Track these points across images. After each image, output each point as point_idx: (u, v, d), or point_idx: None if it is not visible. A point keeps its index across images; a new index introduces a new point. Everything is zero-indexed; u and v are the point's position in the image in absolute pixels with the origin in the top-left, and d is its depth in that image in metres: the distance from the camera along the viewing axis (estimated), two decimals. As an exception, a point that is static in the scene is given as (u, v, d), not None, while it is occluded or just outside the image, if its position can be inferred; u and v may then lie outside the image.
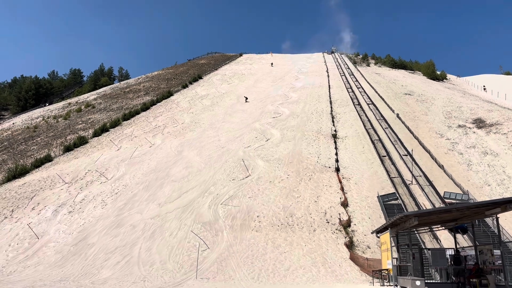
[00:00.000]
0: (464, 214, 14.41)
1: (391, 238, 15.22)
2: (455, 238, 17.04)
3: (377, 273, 18.02)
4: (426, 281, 14.03)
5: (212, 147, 44.58)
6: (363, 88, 73.75)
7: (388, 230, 15.30)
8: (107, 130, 57.07)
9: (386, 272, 16.21)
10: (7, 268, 24.09)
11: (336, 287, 17.54)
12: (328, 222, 26.50)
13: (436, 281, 17.55)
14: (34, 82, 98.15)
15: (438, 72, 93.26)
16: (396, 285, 14.55)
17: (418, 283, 12.42)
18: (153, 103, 71.09)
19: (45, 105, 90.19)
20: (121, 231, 27.19)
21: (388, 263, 15.71)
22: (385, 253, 16.21)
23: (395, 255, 16.82)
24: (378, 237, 18.39)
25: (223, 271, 20.64)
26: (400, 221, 14.24)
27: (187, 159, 40.90)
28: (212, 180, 34.66)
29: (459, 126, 45.76)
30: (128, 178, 36.89)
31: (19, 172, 43.52)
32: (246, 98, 68.49)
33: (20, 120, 76.72)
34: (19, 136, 63.18)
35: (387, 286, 16.05)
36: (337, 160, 37.90)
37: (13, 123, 74.75)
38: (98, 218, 29.54)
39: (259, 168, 36.32)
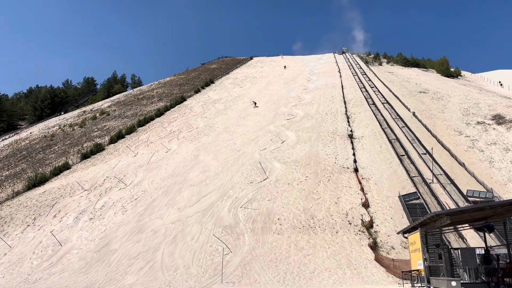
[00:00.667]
0: (496, 212, 14.09)
1: (421, 238, 14.93)
2: (484, 237, 16.68)
3: (407, 274, 17.70)
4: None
5: (227, 150, 44.58)
6: (376, 87, 73.17)
7: (418, 230, 15.02)
8: (123, 137, 57.48)
9: (417, 273, 15.90)
10: (33, 275, 24.31)
11: (365, 289, 17.31)
12: (350, 224, 26.22)
13: (465, 281, 17.20)
14: (49, 91, 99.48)
15: (452, 69, 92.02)
16: (429, 286, 14.26)
17: (454, 283, 12.15)
18: (167, 108, 71.48)
19: (60, 114, 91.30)
20: (142, 236, 27.27)
21: (418, 264, 15.42)
22: (414, 253, 15.91)
23: (424, 255, 16.48)
24: (406, 237, 18.09)
25: (248, 275, 20.52)
26: (430, 221, 13.97)
27: (203, 163, 40.94)
28: (230, 183, 34.62)
29: (478, 123, 45.07)
30: (147, 183, 37.04)
31: (39, 181, 44.03)
32: (255, 103, 66.55)
33: (37, 129, 77.73)
34: (37, 145, 63.99)
35: (418, 287, 15.74)
36: (355, 161, 37.57)
37: (31, 132, 75.77)
38: (119, 224, 29.68)
39: (276, 171, 36.17)
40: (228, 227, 26.69)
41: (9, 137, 78.42)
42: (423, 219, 14.09)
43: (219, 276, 20.53)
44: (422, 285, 15.19)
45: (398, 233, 21.29)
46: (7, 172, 52.41)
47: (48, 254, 27.18)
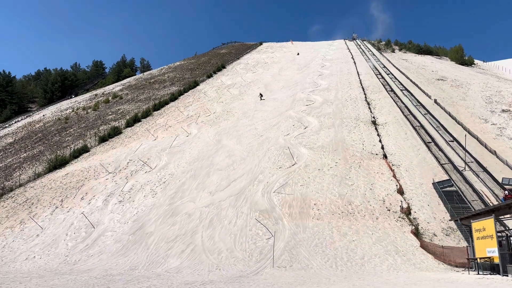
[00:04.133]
0: None
1: (495, 224, 14.53)
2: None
3: (472, 261, 17.37)
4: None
5: (250, 135, 44.15)
6: (392, 74, 72.41)
7: (492, 216, 14.63)
8: (139, 121, 57.09)
9: (487, 260, 15.55)
10: (71, 257, 24.11)
11: (424, 276, 17.03)
12: (389, 210, 25.93)
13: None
14: (59, 74, 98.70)
15: (466, 57, 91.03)
16: (506, 274, 13.96)
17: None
18: (180, 93, 70.92)
19: (71, 97, 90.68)
20: (177, 219, 27.02)
21: (489, 251, 15.09)
22: (483, 240, 15.59)
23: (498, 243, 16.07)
24: (466, 225, 17.75)
25: (296, 260, 20.27)
26: (506, 207, 13.61)
27: (227, 148, 40.55)
28: (259, 168, 34.26)
29: (503, 110, 44.54)
30: (173, 167, 36.71)
31: (59, 163, 43.78)
32: (261, 96, 60.97)
33: (50, 112, 77.21)
34: (52, 127, 63.58)
35: (486, 274, 15.45)
36: (382, 147, 37.17)
37: (44, 115, 75.28)
38: (151, 207, 29.41)
39: (304, 156, 35.81)
40: (265, 212, 26.40)
41: (22, 119, 77.97)
42: (499, 205, 13.73)
43: (266, 261, 20.29)
44: (492, 273, 14.92)
45: (454, 220, 20.94)
46: (25, 154, 52.13)
47: (82, 236, 26.97)
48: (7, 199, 36.81)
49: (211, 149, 40.88)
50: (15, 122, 76.65)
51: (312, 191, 28.83)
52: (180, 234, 25.07)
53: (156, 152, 41.57)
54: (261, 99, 59.94)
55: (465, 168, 32.87)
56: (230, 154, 38.51)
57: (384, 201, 27.10)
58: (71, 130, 59.48)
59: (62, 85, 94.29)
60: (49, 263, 23.53)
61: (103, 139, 50.47)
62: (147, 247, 24.17)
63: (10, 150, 56.47)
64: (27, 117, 79.58)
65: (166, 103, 65.30)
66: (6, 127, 74.88)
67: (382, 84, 64.36)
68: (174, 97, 67.99)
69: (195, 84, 76.59)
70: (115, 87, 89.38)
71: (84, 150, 47.48)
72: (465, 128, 41.22)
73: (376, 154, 35.56)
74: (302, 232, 23.51)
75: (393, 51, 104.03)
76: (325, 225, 24.01)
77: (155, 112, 61.05)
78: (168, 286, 14.63)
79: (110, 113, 65.35)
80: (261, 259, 20.60)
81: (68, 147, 50.43)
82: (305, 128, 43.99)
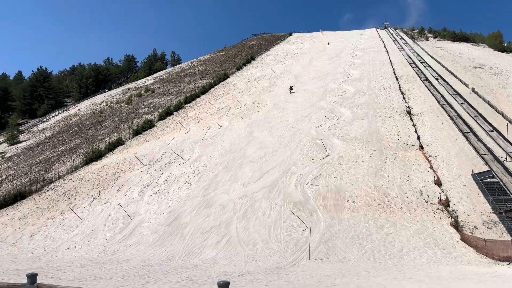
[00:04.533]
0: None
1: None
2: None
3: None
4: None
5: (281, 127, 43.96)
6: (427, 63, 70.37)
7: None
8: (171, 114, 57.78)
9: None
10: (109, 247, 24.75)
11: (467, 269, 16.52)
12: (427, 202, 25.27)
13: None
14: (93, 69, 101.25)
15: (505, 44, 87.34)
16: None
17: None
18: (211, 86, 71.29)
19: (105, 91, 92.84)
20: (211, 211, 27.25)
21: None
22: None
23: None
24: (511, 217, 17.07)
25: (333, 252, 20.08)
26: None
27: (259, 140, 40.53)
28: (291, 160, 34.09)
29: (547, 99, 42.52)
30: (205, 159, 37.02)
31: (95, 156, 44.90)
32: (291, 88, 59.65)
33: (85, 106, 79.34)
34: (87, 121, 65.32)
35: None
36: (418, 138, 36.23)
37: (79, 109, 77.43)
38: (185, 199, 29.79)
39: (337, 148, 35.36)
40: (299, 204, 26.26)
41: (59, 113, 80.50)
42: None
43: (302, 252, 20.20)
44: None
45: (498, 213, 20.24)
46: (63, 147, 53.79)
47: (120, 227, 27.62)
48: (48, 190, 38.12)
49: (242, 141, 40.96)
50: (53, 117, 79.21)
51: (347, 183, 28.45)
52: (215, 225, 25.28)
53: (189, 144, 42.02)
54: (291, 92, 59.30)
55: (506, 158, 31.61)
56: (262, 146, 38.47)
57: (421, 193, 26.44)
58: (106, 123, 60.91)
59: (95, 79, 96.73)
60: (89, 253, 24.24)
61: (137, 132, 51.41)
62: (183, 238, 24.51)
63: (48, 143, 58.42)
64: (63, 111, 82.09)
65: (197, 96, 65.82)
66: (44, 121, 77.50)
67: (416, 73, 62.69)
68: (204, 90, 68.44)
69: (225, 76, 76.81)
70: (147, 81, 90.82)
71: (119, 143, 48.52)
72: (506, 118, 39.63)
73: (412, 145, 34.70)
74: (338, 224, 23.25)
75: (427, 39, 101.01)
76: (361, 217, 23.66)
77: (187, 105, 61.64)
78: (207, 277, 14.78)
79: (143, 106, 66.48)
80: (297, 251, 20.52)
81: (103, 140, 51.66)
82: (337, 119, 43.41)
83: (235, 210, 26.72)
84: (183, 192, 31.03)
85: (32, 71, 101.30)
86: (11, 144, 63.30)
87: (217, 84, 72.43)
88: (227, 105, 57.49)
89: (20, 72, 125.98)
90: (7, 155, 56.80)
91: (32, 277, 6.17)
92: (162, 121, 54.96)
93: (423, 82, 56.73)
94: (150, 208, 29.47)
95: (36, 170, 46.80)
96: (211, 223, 25.66)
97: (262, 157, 35.76)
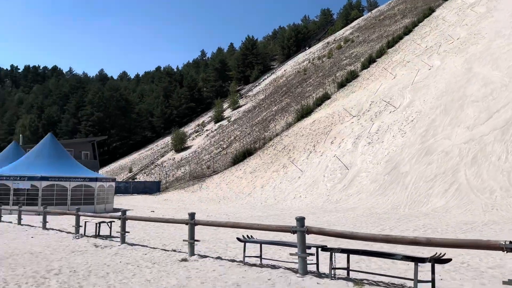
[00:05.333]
0: None
1: None
2: None
3: None
4: None
5: (509, 57, 37.15)
6: None
7: None
8: (374, 61, 55.73)
9: None
10: (332, 196, 25.90)
11: None
12: None
13: None
14: (292, 29, 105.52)
15: None
16: None
17: None
18: (414, 24, 65.48)
19: (305, 49, 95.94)
20: (433, 158, 25.39)
21: None
22: None
23: None
24: None
25: None
26: None
27: (481, 76, 35.29)
28: (528, 94, 28.62)
29: None
30: (419, 104, 34.50)
31: (305, 112, 47.18)
32: None
33: (289, 67, 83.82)
34: (293, 80, 68.98)
35: None
36: None
37: (285, 70, 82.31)
38: (402, 147, 28.55)
39: None
40: (546, 144, 21.99)
41: (268, 77, 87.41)
42: None
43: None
44: None
45: None
46: (276, 107, 58.39)
47: (338, 177, 28.52)
48: (269, 147, 42.21)
49: (460, 79, 36.43)
50: (263, 80, 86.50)
51: None
52: (439, 173, 23.49)
53: (398, 90, 39.82)
54: None
55: None
56: (486, 82, 33.42)
57: None
58: (311, 80, 63.09)
59: (296, 39, 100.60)
60: (314, 201, 25.89)
61: (341, 85, 51.61)
62: (405, 186, 23.66)
63: (263, 105, 64.30)
64: (271, 74, 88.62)
65: (400, 38, 61.52)
66: (257, 85, 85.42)
67: None
68: (408, 30, 63.35)
69: (431, 11, 69.15)
70: (345, 31, 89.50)
71: (326, 97, 49.68)
72: None
73: None
74: None
75: None
76: None
77: (389, 49, 58.35)
78: (445, 225, 13.81)
79: (344, 58, 66.06)
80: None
81: (310, 97, 53.75)
82: None
83: (462, 156, 24.18)
84: (398, 140, 29.77)
85: (241, 41, 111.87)
86: (234, 109, 72.25)
87: (421, 21, 66.04)
88: (437, 42, 51.82)
89: (231, 44, 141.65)
90: (232, 119, 65.15)
91: (301, 220, 6.74)
92: (365, 70, 53.61)
93: None
94: (366, 158, 29.39)
95: (256, 130, 52.31)
96: (434, 171, 23.96)
97: (489, 95, 31.10)
